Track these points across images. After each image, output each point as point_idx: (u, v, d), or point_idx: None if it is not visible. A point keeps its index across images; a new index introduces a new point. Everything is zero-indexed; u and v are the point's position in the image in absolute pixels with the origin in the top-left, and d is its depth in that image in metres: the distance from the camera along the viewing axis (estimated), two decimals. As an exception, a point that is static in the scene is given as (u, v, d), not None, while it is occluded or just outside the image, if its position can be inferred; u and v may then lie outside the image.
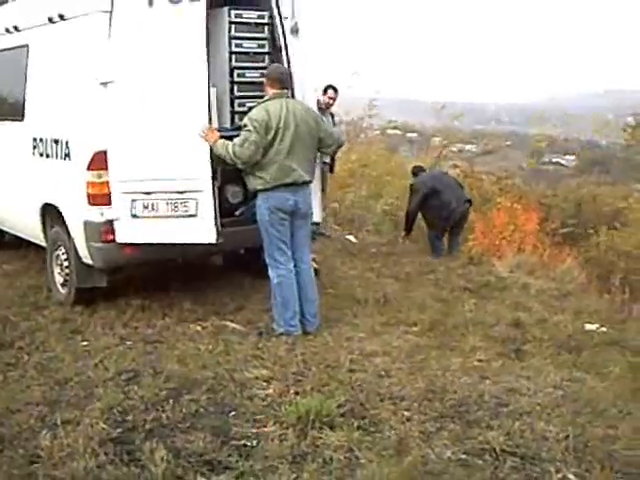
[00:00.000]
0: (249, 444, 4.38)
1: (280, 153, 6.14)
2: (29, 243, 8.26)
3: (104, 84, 6.45)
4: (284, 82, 6.39)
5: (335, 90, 10.43)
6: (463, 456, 4.24)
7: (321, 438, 4.39)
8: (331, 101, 10.43)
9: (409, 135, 51.13)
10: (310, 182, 6.46)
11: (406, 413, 4.78)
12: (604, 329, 7.01)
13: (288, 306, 6.34)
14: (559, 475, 3.97)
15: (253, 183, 6.30)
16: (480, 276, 8.84)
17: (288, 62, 6.87)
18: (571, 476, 3.97)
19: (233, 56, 7.16)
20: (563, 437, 4.43)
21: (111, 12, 6.36)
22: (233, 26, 7.12)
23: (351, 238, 11.47)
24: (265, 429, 4.56)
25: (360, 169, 17.91)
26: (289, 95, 6.46)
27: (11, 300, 7.31)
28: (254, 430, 4.55)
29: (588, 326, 7.04)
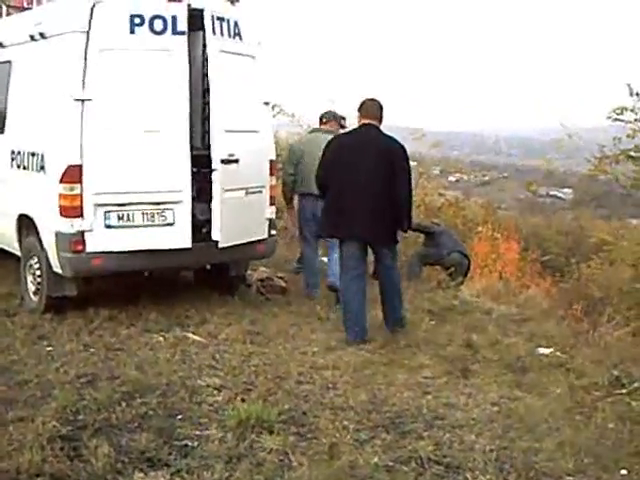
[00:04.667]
0: (190, 444, 4.62)
1: None
2: (7, 253, 8.49)
3: (80, 101, 6.77)
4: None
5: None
6: (390, 463, 4.46)
7: (259, 441, 4.63)
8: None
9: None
10: None
11: (345, 422, 5.01)
12: (558, 353, 7.18)
13: None
14: (474, 482, 4.20)
15: None
16: (445, 300, 9.00)
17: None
18: (486, 483, 4.19)
19: (206, 78, 7.48)
20: (489, 449, 4.66)
21: (88, 33, 6.71)
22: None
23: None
24: (207, 432, 4.80)
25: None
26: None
27: (-17, 307, 7.54)
28: (197, 432, 4.79)
29: (541, 350, 7.20)
